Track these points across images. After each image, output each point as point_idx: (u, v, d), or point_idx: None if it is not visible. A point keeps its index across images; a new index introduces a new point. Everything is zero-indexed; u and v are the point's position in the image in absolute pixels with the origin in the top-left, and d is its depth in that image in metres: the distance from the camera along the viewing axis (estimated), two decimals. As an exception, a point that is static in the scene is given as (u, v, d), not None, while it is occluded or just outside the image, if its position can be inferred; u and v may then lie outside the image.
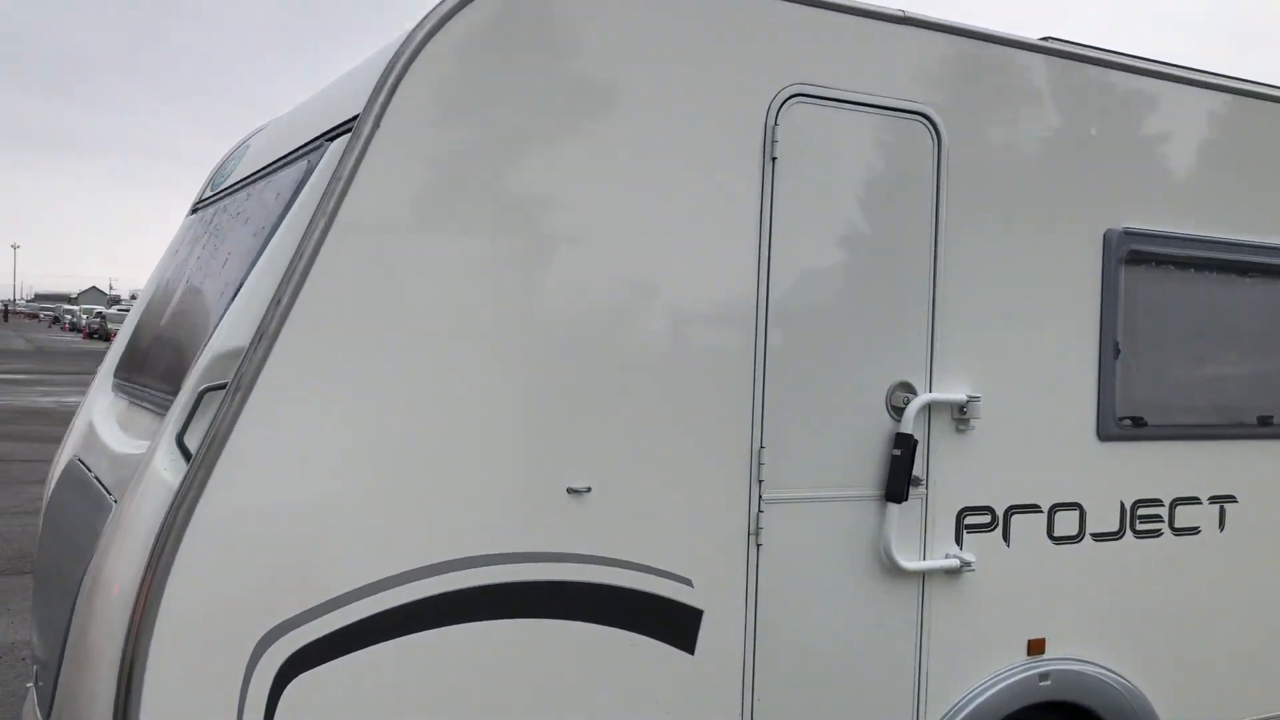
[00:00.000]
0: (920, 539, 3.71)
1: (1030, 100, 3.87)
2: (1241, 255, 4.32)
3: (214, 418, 2.74)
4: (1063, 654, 4.01)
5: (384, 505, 2.89)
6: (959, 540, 3.78)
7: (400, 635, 2.90)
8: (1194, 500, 4.29)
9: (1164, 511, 4.22)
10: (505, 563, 3.04)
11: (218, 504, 2.70)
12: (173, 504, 2.68)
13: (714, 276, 3.33)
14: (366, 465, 2.88)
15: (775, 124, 3.39)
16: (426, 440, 2.94)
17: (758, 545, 3.41)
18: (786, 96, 3.41)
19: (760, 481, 3.41)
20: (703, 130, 3.31)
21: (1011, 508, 3.89)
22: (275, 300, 2.80)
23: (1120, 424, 4.10)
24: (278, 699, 2.77)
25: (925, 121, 3.66)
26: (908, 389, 3.66)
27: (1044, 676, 3.94)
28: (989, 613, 3.86)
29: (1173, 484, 4.25)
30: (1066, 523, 4.00)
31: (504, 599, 3.03)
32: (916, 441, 3.62)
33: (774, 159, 3.40)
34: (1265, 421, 4.49)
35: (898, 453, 3.60)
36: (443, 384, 2.96)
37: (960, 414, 3.74)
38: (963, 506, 3.79)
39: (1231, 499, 4.38)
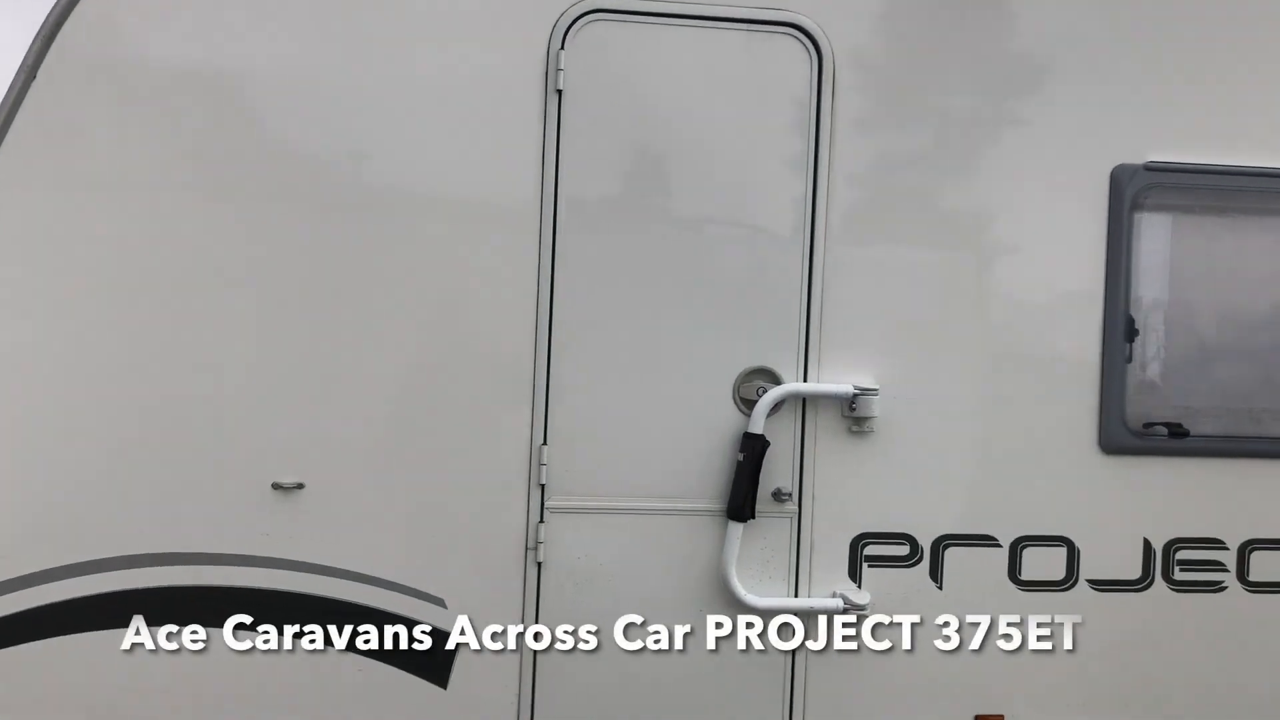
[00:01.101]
0: (787, 570, 2.88)
1: (972, -5, 2.91)
2: None
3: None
4: (1034, 743, 2.97)
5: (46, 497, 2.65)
6: (854, 575, 2.90)
7: (58, 634, 2.64)
8: (1288, 544, 3.03)
9: (1228, 558, 3.01)
10: (191, 564, 2.68)
11: None
12: None
13: (481, 232, 2.77)
14: (32, 453, 2.65)
15: (561, 49, 2.76)
16: (92, 421, 2.66)
17: (538, 563, 2.79)
18: (577, 15, 2.77)
19: (542, 486, 2.79)
20: (474, 62, 2.76)
21: (946, 538, 2.93)
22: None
23: (1138, 434, 2.97)
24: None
25: (800, 35, 2.84)
26: (766, 377, 2.85)
27: (994, 774, 2.93)
28: (897, 677, 2.92)
29: (1242, 522, 3.03)
30: (1043, 563, 2.95)
31: (189, 602, 2.68)
32: (767, 444, 2.81)
33: (559, 91, 2.77)
34: None
35: (741, 457, 2.81)
36: (107, 355, 2.66)
37: (851, 410, 2.86)
38: (861, 533, 2.90)
39: (1361, 546, 3.05)
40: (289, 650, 2.69)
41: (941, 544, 2.92)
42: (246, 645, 2.69)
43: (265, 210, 2.68)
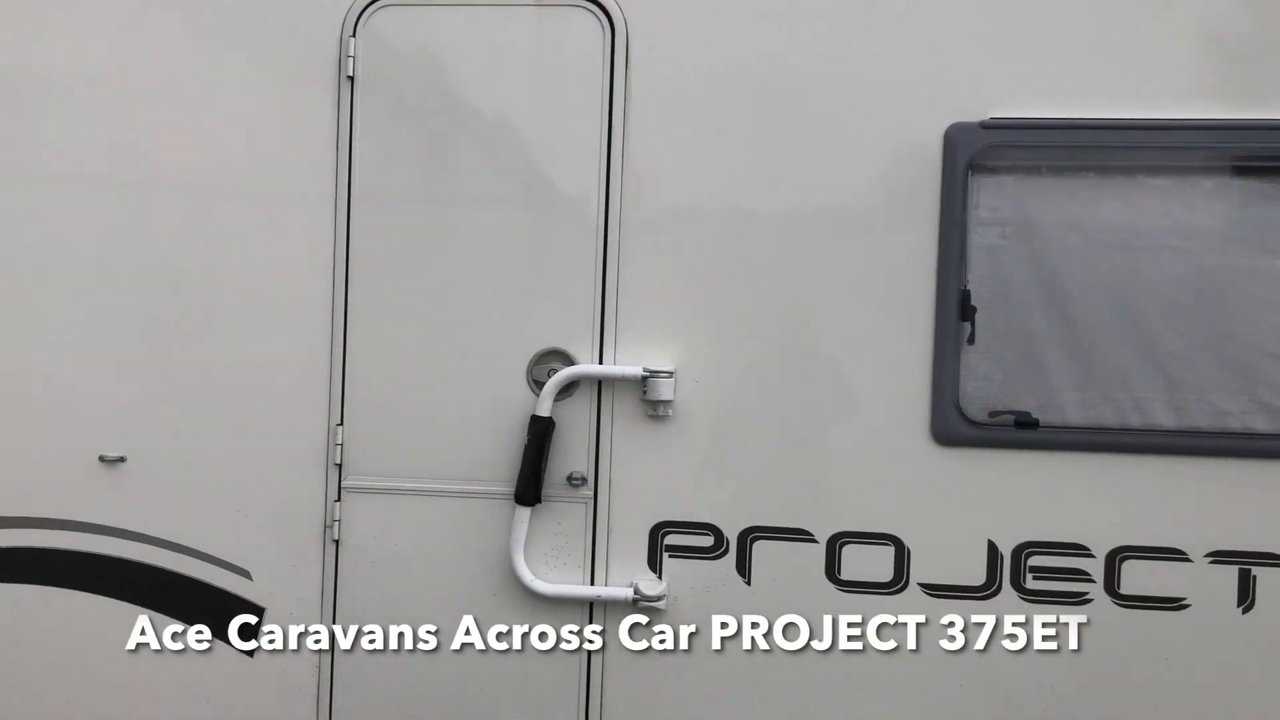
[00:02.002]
0: (583, 558, 2.79)
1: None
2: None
3: None
4: (854, 758, 2.72)
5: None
6: (655, 565, 2.76)
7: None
8: (1171, 554, 2.61)
9: (1094, 566, 2.64)
10: (27, 527, 2.94)
11: None
12: None
13: (280, 217, 2.87)
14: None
15: (353, 36, 2.82)
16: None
17: (334, 541, 2.85)
18: (368, 2, 2.82)
19: (338, 466, 2.85)
20: (268, 52, 2.87)
21: (753, 530, 2.74)
22: None
23: (979, 422, 2.66)
24: None
25: (594, 9, 2.76)
26: (560, 359, 2.78)
27: (801, 783, 2.70)
28: (708, 682, 2.75)
29: (1106, 525, 2.64)
30: (868, 563, 2.70)
31: (24, 564, 2.94)
32: (550, 426, 2.73)
33: (350, 78, 2.83)
34: (1359, 430, 2.58)
35: (528, 440, 2.75)
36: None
37: (644, 394, 2.73)
38: (661, 521, 2.76)
39: (1272, 560, 2.59)
40: (109, 608, 2.90)
41: (749, 537, 2.74)
42: (96, 603, 2.92)
43: (77, 196, 2.90)
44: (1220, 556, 2.61)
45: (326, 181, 2.83)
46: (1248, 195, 2.62)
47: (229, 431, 2.88)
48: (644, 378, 2.71)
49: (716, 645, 2.74)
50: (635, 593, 2.73)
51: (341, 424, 2.84)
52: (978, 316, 2.66)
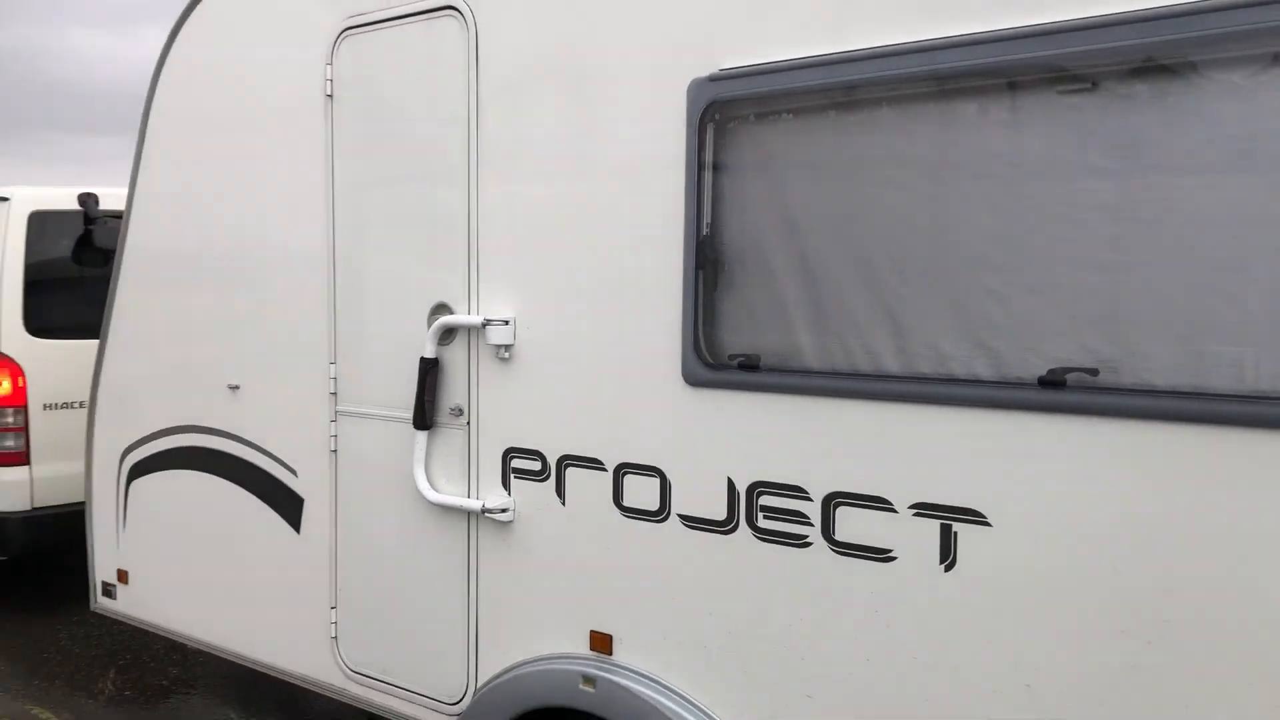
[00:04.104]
0: (465, 475, 3.38)
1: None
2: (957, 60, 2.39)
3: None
4: (629, 663, 3.00)
5: (151, 386, 4.44)
6: (506, 484, 3.28)
7: (160, 470, 4.42)
8: (878, 504, 2.55)
9: (812, 510, 2.66)
10: (190, 432, 4.26)
11: (109, 372, 4.67)
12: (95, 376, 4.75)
13: (297, 219, 3.82)
14: (151, 358, 4.47)
15: (330, 62, 3.66)
16: (160, 349, 4.37)
17: (332, 452, 3.76)
18: (340, 30, 3.64)
19: (333, 395, 3.74)
20: (286, 77, 3.82)
21: (566, 458, 3.13)
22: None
23: (713, 365, 2.79)
24: (128, 491, 4.61)
25: (456, 14, 3.31)
26: (446, 311, 3.39)
27: (588, 680, 3.06)
28: (541, 581, 3.21)
29: (827, 470, 2.63)
30: (641, 492, 2.97)
31: (188, 458, 4.25)
32: (431, 365, 3.36)
33: (329, 96, 3.67)
34: (1052, 383, 2.30)
35: (418, 377, 3.41)
36: (169, 311, 4.34)
37: (486, 339, 3.25)
38: (509, 447, 3.26)
39: (971, 517, 2.42)
40: (228, 488, 4.12)
41: (563, 463, 3.13)
42: (223, 485, 4.18)
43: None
44: (924, 510, 2.47)
45: (322, 189, 3.72)
46: (967, 123, 2.42)
47: (287, 370, 3.91)
48: (483, 325, 3.23)
49: (542, 556, 3.19)
50: (482, 507, 3.27)
51: (334, 362, 3.73)
52: (719, 263, 2.78)
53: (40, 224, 6.22)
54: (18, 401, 6.12)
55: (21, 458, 6.10)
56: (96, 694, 5.42)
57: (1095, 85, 2.26)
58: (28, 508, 6.11)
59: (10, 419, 6.11)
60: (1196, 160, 2.14)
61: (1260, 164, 2.07)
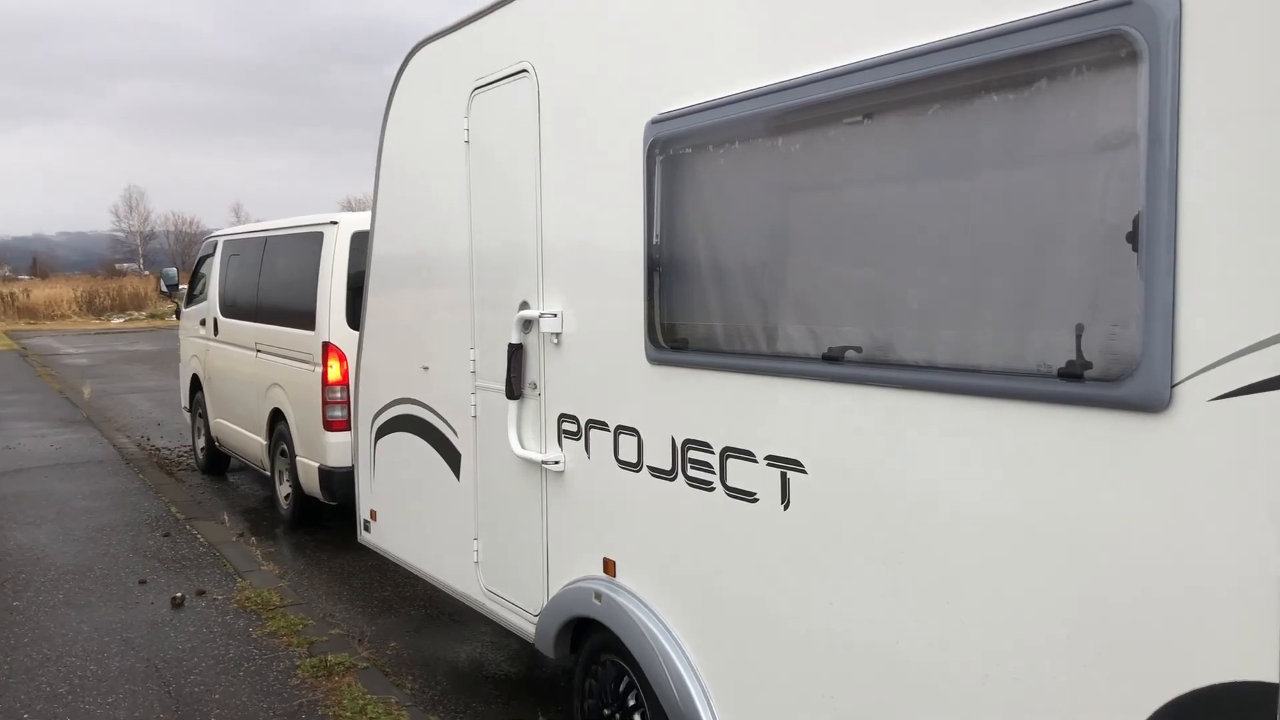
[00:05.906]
0: (539, 435, 4.31)
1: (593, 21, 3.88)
2: (818, 93, 3.02)
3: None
4: (626, 583, 3.80)
5: (386, 367, 5.76)
6: (560, 442, 4.17)
7: (391, 432, 5.73)
8: (747, 456, 3.22)
9: (714, 461, 3.36)
10: (402, 403, 5.50)
11: (364, 359, 6.07)
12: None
13: (456, 237, 4.93)
14: (386, 345, 5.78)
15: (466, 115, 4.74)
16: (389, 338, 5.67)
17: (473, 418, 4.83)
18: (472, 88, 4.70)
19: (473, 374, 4.81)
20: (447, 128, 4.93)
21: (590, 421, 3.98)
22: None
23: (662, 347, 3.54)
24: (375, 447, 5.98)
25: (528, 74, 4.26)
26: (525, 307, 4.34)
27: (598, 595, 3.89)
28: (577, 518, 4.08)
29: (722, 429, 3.31)
30: (628, 448, 3.77)
31: (404, 422, 5.50)
32: (517, 348, 4.32)
33: (467, 143, 4.75)
34: (834, 357, 2.87)
35: (507, 359, 4.39)
36: (407, 309, 5.63)
37: (541, 330, 4.17)
38: (560, 413, 4.16)
39: (796, 466, 3.04)
40: (419, 445, 5.33)
41: (589, 425, 3.98)
42: (418, 442, 5.39)
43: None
44: (772, 461, 3.09)
45: (463, 219, 4.81)
46: (792, 154, 3.01)
47: (453, 356, 5.05)
48: (539, 317, 4.15)
49: (576, 496, 4.06)
50: (543, 460, 4.20)
51: (474, 347, 4.81)
52: (664, 266, 3.52)
53: (360, 242, 7.87)
54: (345, 381, 7.81)
55: (346, 425, 7.78)
56: (382, 607, 6.91)
57: (870, 116, 2.79)
58: (350, 464, 7.77)
59: (340, 395, 7.82)
60: (920, 182, 2.64)
61: (961, 186, 2.55)
